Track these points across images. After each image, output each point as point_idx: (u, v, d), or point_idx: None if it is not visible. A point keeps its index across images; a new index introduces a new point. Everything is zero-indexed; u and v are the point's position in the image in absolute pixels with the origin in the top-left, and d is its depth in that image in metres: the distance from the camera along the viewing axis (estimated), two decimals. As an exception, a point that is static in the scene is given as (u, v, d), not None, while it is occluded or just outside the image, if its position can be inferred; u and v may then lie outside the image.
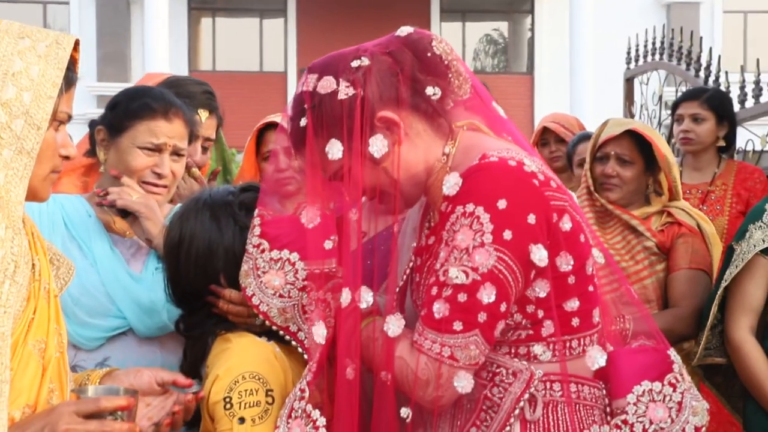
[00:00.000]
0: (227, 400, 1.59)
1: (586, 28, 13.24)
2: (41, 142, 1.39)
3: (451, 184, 1.54)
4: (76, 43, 1.48)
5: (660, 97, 5.43)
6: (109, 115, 2.17)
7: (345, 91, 1.57)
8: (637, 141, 2.91)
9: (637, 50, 5.82)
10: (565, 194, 1.58)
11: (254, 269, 1.65)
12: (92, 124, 2.20)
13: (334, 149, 1.58)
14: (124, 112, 2.13)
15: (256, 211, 1.68)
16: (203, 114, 2.61)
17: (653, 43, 5.57)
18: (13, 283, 1.38)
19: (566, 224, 1.56)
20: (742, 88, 4.32)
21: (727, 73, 4.46)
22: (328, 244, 1.62)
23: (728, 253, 2.58)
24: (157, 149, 2.11)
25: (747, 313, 2.51)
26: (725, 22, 15.98)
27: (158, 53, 13.20)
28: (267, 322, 1.66)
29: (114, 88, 4.35)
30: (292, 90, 15.81)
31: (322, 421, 1.55)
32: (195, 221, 1.76)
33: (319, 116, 1.58)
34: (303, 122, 1.60)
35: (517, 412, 1.53)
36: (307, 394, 1.54)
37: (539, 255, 1.51)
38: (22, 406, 1.41)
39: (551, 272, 1.53)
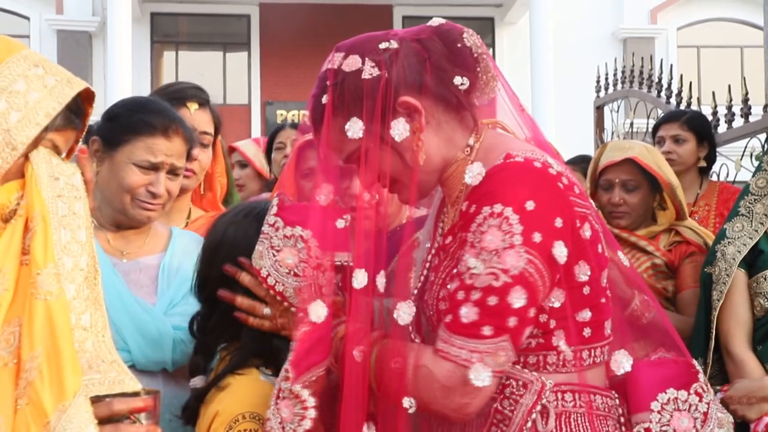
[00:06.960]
0: None
1: (547, 60, 13.45)
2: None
3: (475, 173, 1.49)
4: (92, 96, 1.45)
5: (631, 124, 5.49)
6: (106, 127, 2.09)
7: (369, 71, 1.53)
8: (639, 164, 2.89)
9: (606, 78, 5.91)
10: (586, 201, 1.54)
11: (269, 248, 1.59)
12: (88, 133, 2.10)
13: (355, 128, 1.53)
14: (122, 125, 2.06)
15: (276, 193, 1.65)
16: (192, 106, 2.54)
17: (622, 72, 5.66)
18: None
19: (587, 232, 1.51)
20: (714, 114, 4.36)
21: (699, 99, 4.52)
22: (341, 223, 1.58)
23: (704, 280, 2.58)
24: (154, 168, 2.05)
25: (742, 327, 2.50)
26: (679, 55, 16.32)
27: (121, 86, 13.09)
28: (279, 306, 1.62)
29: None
30: (256, 122, 15.82)
31: (311, 401, 1.48)
32: (239, 229, 1.74)
33: (341, 94, 1.54)
34: (324, 99, 1.56)
35: (529, 424, 1.46)
36: (290, 375, 1.48)
37: (559, 251, 1.44)
38: None
39: (567, 282, 1.48)
